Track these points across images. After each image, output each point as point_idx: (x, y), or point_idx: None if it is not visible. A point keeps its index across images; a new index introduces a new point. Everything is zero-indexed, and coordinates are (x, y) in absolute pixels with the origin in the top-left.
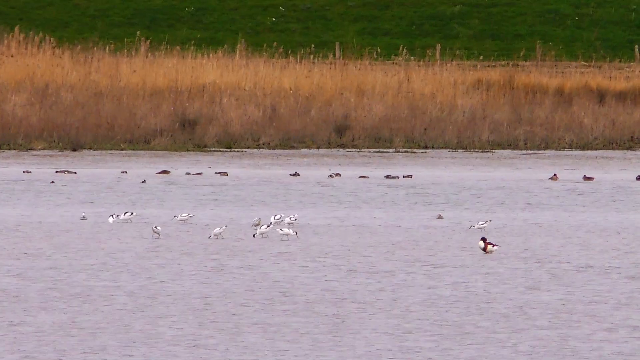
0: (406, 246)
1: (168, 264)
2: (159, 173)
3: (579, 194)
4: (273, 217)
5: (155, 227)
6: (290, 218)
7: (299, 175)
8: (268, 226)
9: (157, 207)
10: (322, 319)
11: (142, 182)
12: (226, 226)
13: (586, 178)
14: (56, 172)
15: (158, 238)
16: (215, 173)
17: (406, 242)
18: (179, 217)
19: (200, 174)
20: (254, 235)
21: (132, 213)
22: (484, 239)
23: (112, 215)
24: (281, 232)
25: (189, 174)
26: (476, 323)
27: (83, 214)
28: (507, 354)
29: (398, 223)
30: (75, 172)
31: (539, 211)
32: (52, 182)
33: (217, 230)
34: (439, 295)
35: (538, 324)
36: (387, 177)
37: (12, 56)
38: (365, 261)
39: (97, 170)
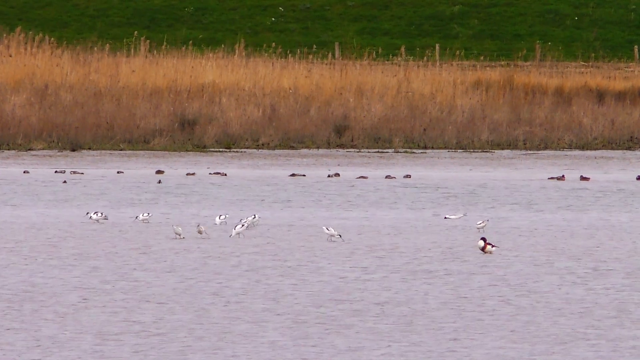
0: (426, 246)
1: (206, 265)
2: (156, 173)
3: (577, 194)
4: (218, 217)
5: (176, 226)
6: (253, 217)
7: (304, 175)
8: (242, 226)
9: (171, 207)
10: (383, 319)
11: (158, 182)
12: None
13: (583, 178)
14: (55, 172)
15: (179, 238)
16: (210, 174)
17: (424, 242)
18: (140, 217)
19: (194, 174)
20: (230, 236)
21: (101, 214)
22: (483, 239)
23: (93, 214)
24: (327, 231)
25: (190, 174)
26: (516, 322)
27: (103, 213)
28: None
29: (405, 223)
30: (82, 173)
31: (541, 211)
32: (65, 181)
33: (178, 229)
34: (465, 297)
35: (581, 321)
36: (387, 177)
37: (11, 56)
38: (396, 261)
39: (100, 171)
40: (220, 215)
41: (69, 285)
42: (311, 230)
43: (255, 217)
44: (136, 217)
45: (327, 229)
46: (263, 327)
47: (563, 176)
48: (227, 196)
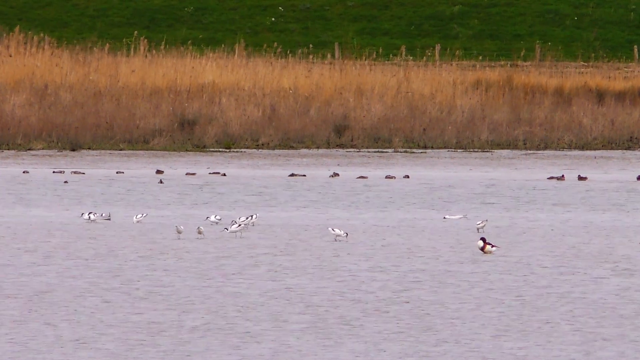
0: (441, 246)
1: (223, 265)
2: (156, 173)
3: (589, 194)
4: (214, 216)
5: (178, 225)
6: (250, 217)
7: (303, 175)
8: (239, 225)
9: (187, 208)
10: (402, 320)
11: (159, 182)
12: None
13: (580, 178)
14: (53, 172)
15: (179, 238)
16: (209, 174)
17: (439, 242)
18: (135, 218)
19: (194, 174)
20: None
21: (102, 214)
22: (483, 239)
23: (89, 214)
24: (333, 232)
25: (190, 174)
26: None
27: (108, 214)
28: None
29: (419, 223)
30: (84, 173)
31: (541, 211)
32: (66, 181)
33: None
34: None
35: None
36: (387, 177)
37: (10, 56)
38: (412, 261)
39: (101, 171)
40: (216, 215)
41: (87, 286)
42: (326, 231)
43: (254, 217)
44: (133, 222)
45: (333, 229)
46: (282, 327)
47: (563, 176)
48: (237, 196)
